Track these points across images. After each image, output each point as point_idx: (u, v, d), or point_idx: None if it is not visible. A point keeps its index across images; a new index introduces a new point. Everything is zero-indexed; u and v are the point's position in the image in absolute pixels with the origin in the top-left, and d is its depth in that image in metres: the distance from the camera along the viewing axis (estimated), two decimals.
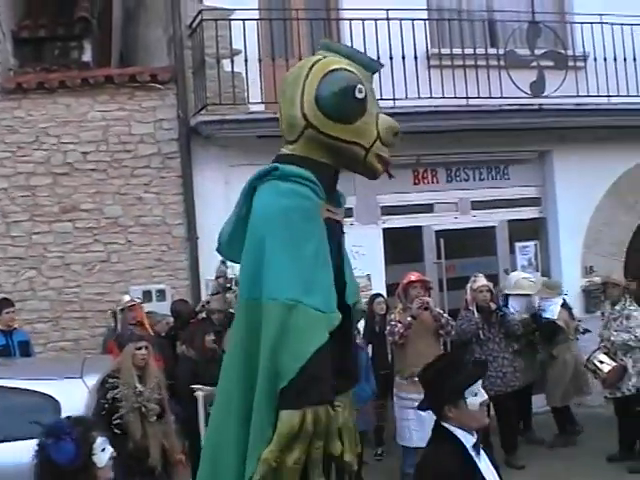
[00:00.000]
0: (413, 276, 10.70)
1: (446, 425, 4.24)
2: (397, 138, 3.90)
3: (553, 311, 11.92)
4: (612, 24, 13.67)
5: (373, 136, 3.81)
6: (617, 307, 11.26)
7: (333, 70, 3.82)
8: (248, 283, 3.72)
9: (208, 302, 11.34)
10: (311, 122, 3.83)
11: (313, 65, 3.88)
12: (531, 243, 14.71)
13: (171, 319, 11.37)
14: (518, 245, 14.61)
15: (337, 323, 3.65)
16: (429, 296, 10.61)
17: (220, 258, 11.11)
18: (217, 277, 11.19)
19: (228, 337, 9.69)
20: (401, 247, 13.90)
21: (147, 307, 11.59)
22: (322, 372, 3.53)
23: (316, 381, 3.51)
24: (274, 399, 3.53)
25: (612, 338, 11.04)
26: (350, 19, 12.50)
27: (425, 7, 13.55)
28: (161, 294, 12.23)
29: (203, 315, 11.05)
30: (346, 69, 3.83)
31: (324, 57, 3.93)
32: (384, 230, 13.62)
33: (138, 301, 11.17)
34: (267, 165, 3.87)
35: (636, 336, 10.85)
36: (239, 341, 3.74)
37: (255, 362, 3.59)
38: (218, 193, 12.40)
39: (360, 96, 3.77)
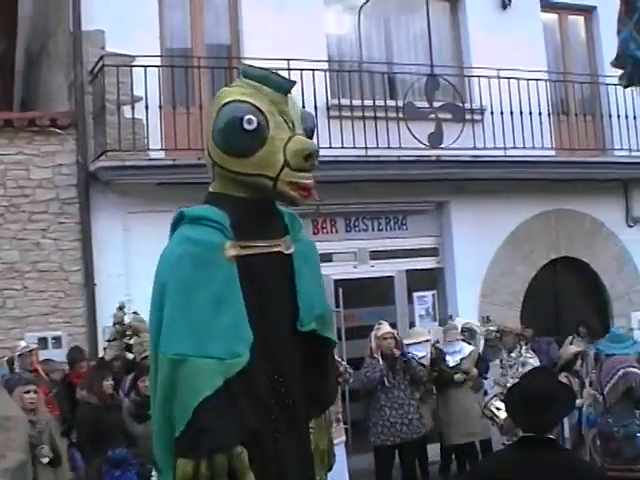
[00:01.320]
0: None
1: (551, 436, 4.73)
2: (313, 159, 3.78)
3: (456, 355, 12.27)
4: (509, 78, 14.41)
5: (279, 164, 3.73)
6: (513, 354, 11.76)
7: (226, 103, 3.80)
8: (153, 335, 3.79)
9: (105, 348, 11.48)
10: (214, 160, 3.89)
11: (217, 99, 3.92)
12: (429, 293, 15.17)
13: (67, 366, 11.47)
14: (416, 295, 15.04)
15: (239, 368, 3.66)
16: None
17: (117, 304, 11.40)
18: (115, 323, 11.36)
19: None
20: None
21: (43, 354, 11.60)
22: (212, 423, 3.57)
23: (205, 433, 3.57)
24: (172, 446, 3.66)
25: (508, 385, 11.48)
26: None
27: (326, 58, 14.04)
28: (57, 341, 12.27)
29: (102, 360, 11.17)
30: (238, 100, 3.79)
31: (227, 89, 3.95)
32: None
33: (34, 347, 11.23)
34: (176, 214, 3.93)
35: None
36: (153, 390, 3.84)
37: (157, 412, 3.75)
38: (116, 240, 12.64)
39: (249, 127, 3.71)
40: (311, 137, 3.95)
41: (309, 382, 4.10)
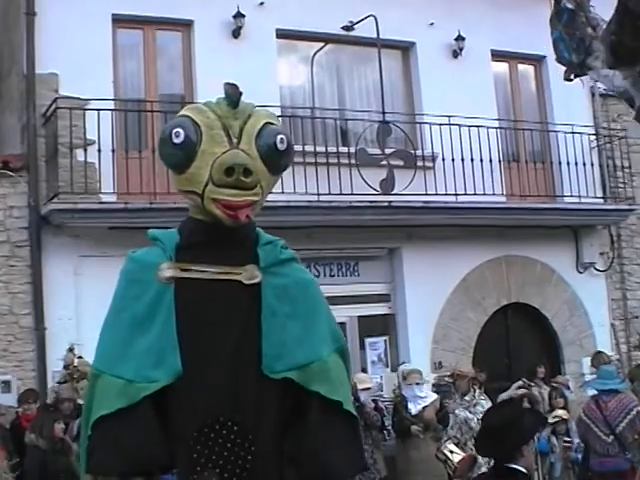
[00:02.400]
0: None
1: (515, 466, 4.79)
2: (236, 174, 3.60)
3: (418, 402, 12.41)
4: (460, 125, 14.83)
5: (204, 180, 3.61)
6: (467, 398, 12.11)
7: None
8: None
9: (57, 392, 11.55)
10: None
11: None
12: (381, 339, 15.41)
13: (16, 410, 11.54)
14: (368, 341, 15.27)
15: (147, 393, 3.60)
16: None
17: (68, 346, 11.53)
18: (65, 365, 11.47)
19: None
20: None
21: None
22: (98, 443, 3.57)
23: (92, 452, 3.60)
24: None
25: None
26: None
27: (278, 104, 14.35)
28: (6, 385, 12.33)
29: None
30: (180, 115, 3.80)
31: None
32: None
33: None
34: None
35: None
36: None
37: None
38: (67, 283, 12.78)
39: (177, 140, 3.62)
40: (271, 155, 3.80)
41: (290, 441, 3.79)
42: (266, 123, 3.86)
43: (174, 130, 3.64)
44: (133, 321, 3.65)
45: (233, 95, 3.81)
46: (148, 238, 3.88)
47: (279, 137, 3.86)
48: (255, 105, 3.76)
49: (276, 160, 3.82)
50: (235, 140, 3.72)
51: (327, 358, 3.83)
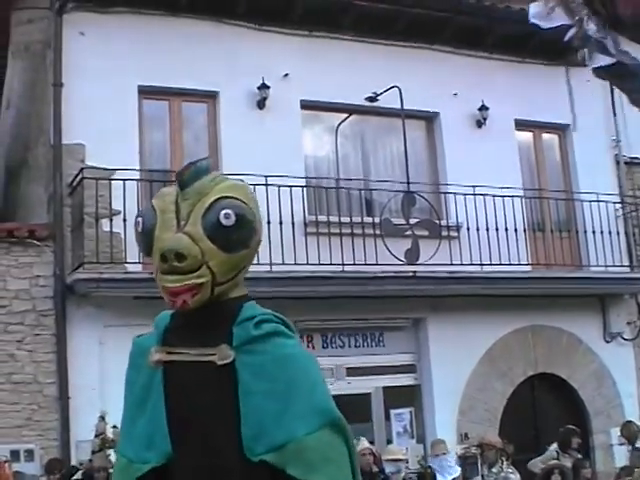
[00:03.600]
0: None
1: None
2: (170, 260, 3.42)
3: (446, 474, 12.39)
4: (484, 195, 14.96)
5: (155, 266, 3.53)
6: (494, 469, 12.00)
7: None
8: None
9: (91, 460, 11.57)
10: None
11: None
12: (406, 410, 15.38)
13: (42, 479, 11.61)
14: (393, 412, 15.25)
15: (140, 473, 3.59)
16: None
17: (99, 414, 11.58)
18: (97, 435, 11.51)
19: None
20: None
21: (15, 467, 11.74)
22: None
23: None
24: None
25: None
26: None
27: (303, 175, 14.55)
28: (29, 454, 12.38)
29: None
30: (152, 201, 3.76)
31: None
32: None
33: (6, 459, 11.35)
34: None
35: None
36: None
37: None
38: (92, 353, 12.88)
39: (139, 229, 3.59)
40: (217, 232, 3.52)
41: None
42: (219, 198, 3.56)
43: (136, 219, 3.60)
44: (133, 403, 3.68)
45: (181, 175, 3.64)
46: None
47: (223, 212, 3.53)
48: (224, 177, 3.69)
49: (223, 236, 3.53)
50: (182, 222, 3.55)
51: (304, 437, 3.52)
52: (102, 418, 11.34)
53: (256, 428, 3.47)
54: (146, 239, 3.51)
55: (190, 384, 3.59)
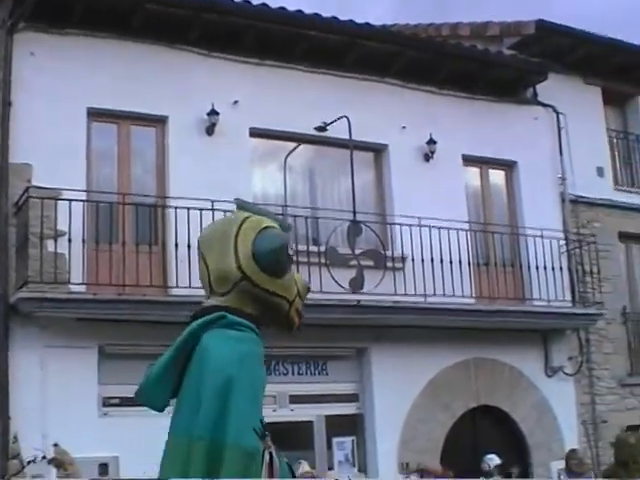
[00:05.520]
0: None
1: None
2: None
3: None
4: (430, 227, 15.18)
5: (295, 291, 4.05)
6: None
7: (267, 227, 4.05)
8: (211, 425, 3.82)
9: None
10: (247, 275, 4.02)
11: (242, 222, 4.08)
12: (348, 439, 15.49)
13: None
14: (335, 440, 15.37)
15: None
16: None
17: (12, 435, 11.52)
18: (13, 457, 11.43)
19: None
20: None
21: None
22: None
23: None
24: None
25: None
26: (176, 207, 13.51)
27: (251, 202, 14.62)
28: None
29: None
30: (276, 227, 4.08)
31: (251, 215, 4.15)
32: None
33: None
34: (214, 314, 3.95)
35: None
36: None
37: None
38: (33, 373, 12.83)
39: (291, 253, 4.00)
40: None
41: None
42: None
43: (291, 244, 4.11)
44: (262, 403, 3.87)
45: (285, 224, 4.17)
46: (229, 321, 3.96)
47: None
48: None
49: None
50: None
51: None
52: (15, 439, 11.29)
53: None
54: (291, 263, 3.92)
55: None
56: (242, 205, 4.21)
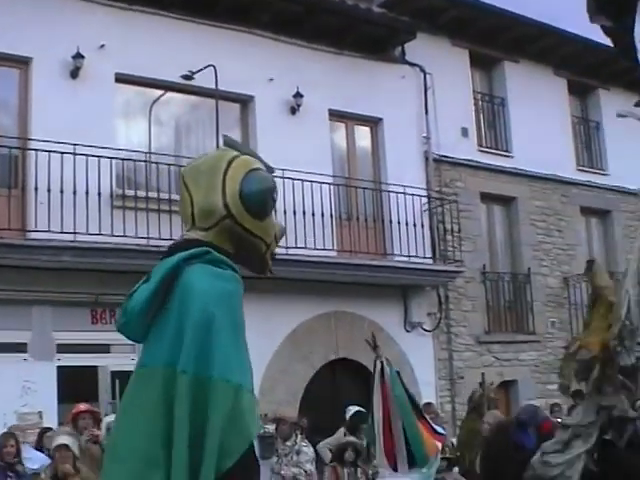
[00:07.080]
0: (82, 406, 11.25)
1: None
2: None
3: None
4: (293, 179, 15.34)
5: (272, 235, 4.11)
6: (288, 443, 12.37)
7: (255, 169, 4.05)
8: (194, 359, 3.74)
9: None
10: (232, 213, 4.05)
11: (232, 160, 4.07)
12: None
13: None
14: None
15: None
16: (98, 428, 11.10)
17: None
18: None
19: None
20: (76, 385, 14.31)
21: None
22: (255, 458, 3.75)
23: (257, 461, 3.74)
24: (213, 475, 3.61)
25: (282, 472, 12.10)
26: (37, 150, 13.35)
27: (114, 147, 14.48)
28: None
29: None
30: (263, 169, 4.11)
31: (239, 154, 4.13)
32: (59, 367, 14.03)
33: None
34: (198, 249, 3.86)
35: (305, 471, 11.99)
36: (184, 415, 3.70)
37: (199, 438, 3.66)
38: None
39: (276, 197, 4.07)
40: None
41: None
42: None
43: (276, 187, 4.07)
44: (245, 342, 3.87)
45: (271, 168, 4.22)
46: (212, 258, 3.92)
47: None
48: None
49: None
50: None
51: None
52: None
53: None
54: (274, 207, 4.03)
55: None
56: (231, 143, 4.23)
